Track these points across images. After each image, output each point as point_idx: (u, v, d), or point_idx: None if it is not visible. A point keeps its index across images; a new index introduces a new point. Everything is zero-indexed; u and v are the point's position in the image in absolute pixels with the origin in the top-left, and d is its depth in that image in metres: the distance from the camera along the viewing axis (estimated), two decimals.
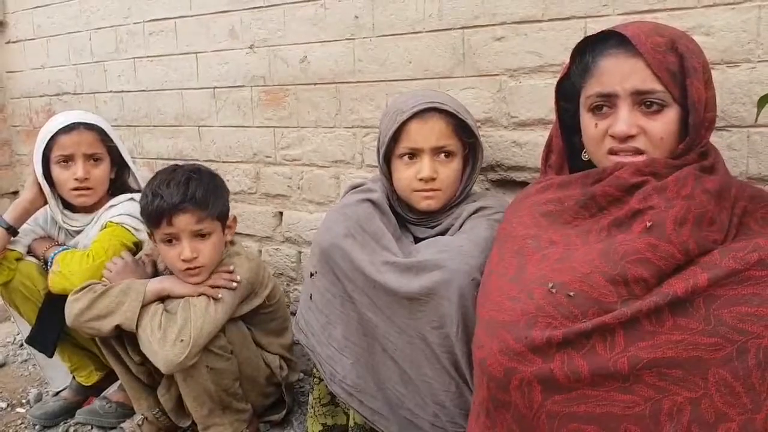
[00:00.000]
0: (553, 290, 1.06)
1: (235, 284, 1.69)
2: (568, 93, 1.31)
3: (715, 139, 1.31)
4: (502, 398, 1.03)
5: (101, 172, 1.99)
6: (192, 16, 2.35)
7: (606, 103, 1.21)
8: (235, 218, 1.80)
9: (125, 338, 1.73)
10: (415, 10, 1.81)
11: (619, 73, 1.18)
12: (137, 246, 1.91)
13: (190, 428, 1.87)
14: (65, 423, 2.06)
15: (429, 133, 1.49)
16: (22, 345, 2.62)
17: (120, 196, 2.02)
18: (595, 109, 1.23)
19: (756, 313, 0.94)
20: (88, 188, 1.96)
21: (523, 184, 1.67)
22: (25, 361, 2.53)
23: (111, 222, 1.91)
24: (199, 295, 1.66)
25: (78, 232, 2.00)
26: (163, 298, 1.68)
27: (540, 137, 1.63)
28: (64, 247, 1.97)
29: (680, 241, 1.05)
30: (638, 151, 1.19)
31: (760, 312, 0.94)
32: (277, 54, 2.14)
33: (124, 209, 1.95)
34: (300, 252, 2.22)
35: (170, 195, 1.61)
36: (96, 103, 2.79)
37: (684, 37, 1.20)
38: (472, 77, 1.74)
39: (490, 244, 1.34)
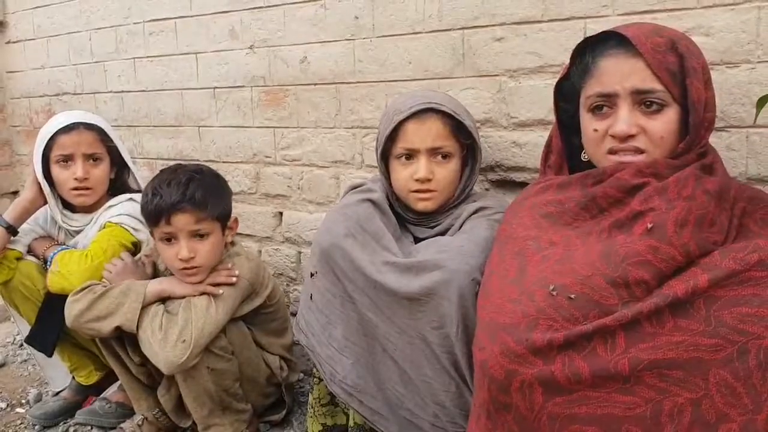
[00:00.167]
0: (554, 293, 1.06)
1: (234, 279, 1.69)
2: (567, 93, 1.32)
3: (714, 139, 1.31)
4: (503, 400, 1.03)
5: (101, 172, 1.99)
6: (192, 16, 2.36)
7: (606, 103, 1.21)
8: (236, 220, 1.79)
9: (125, 339, 1.73)
10: (415, 10, 1.81)
11: (619, 73, 1.18)
12: (136, 246, 1.90)
13: (190, 428, 1.87)
14: (65, 423, 2.06)
15: (426, 133, 1.49)
16: (21, 345, 2.62)
17: (119, 196, 2.01)
18: (595, 109, 1.23)
19: (756, 313, 0.94)
20: (88, 188, 1.96)
21: (523, 184, 1.67)
22: (25, 361, 2.53)
23: (110, 222, 1.91)
24: (201, 295, 1.66)
25: (77, 232, 2.00)
26: (163, 299, 1.68)
27: (540, 138, 1.63)
28: (64, 246, 1.97)
29: (681, 243, 1.05)
30: (638, 151, 1.19)
31: (761, 313, 0.94)
32: (277, 54, 2.14)
33: (123, 209, 1.95)
34: (300, 252, 2.22)
35: (169, 194, 1.62)
36: (96, 103, 2.79)
37: (684, 38, 1.20)
38: (471, 78, 1.74)
39: (490, 244, 1.34)
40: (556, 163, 1.36)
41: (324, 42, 2.02)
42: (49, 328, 1.96)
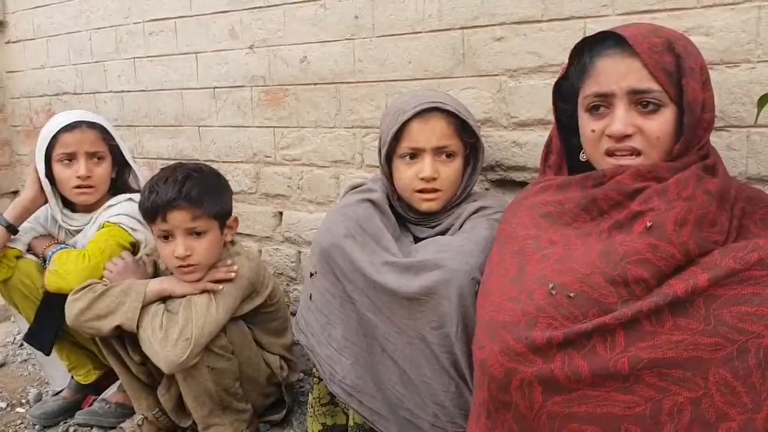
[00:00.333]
0: (554, 291, 1.06)
1: (233, 274, 1.69)
2: (566, 94, 1.32)
3: (714, 139, 1.31)
4: (503, 399, 1.03)
5: (103, 170, 2.00)
6: (192, 16, 2.36)
7: (603, 103, 1.21)
8: (236, 219, 1.79)
9: (126, 338, 1.73)
10: (415, 10, 1.81)
11: (616, 72, 1.18)
12: (134, 246, 1.91)
13: (190, 428, 1.87)
14: (65, 423, 2.06)
15: (430, 133, 1.49)
16: (21, 345, 2.62)
17: (119, 196, 2.02)
18: (593, 109, 1.23)
19: (756, 312, 0.94)
20: (90, 186, 1.96)
21: (523, 184, 1.68)
22: (25, 361, 2.53)
23: (108, 222, 1.92)
24: (201, 293, 1.66)
25: (77, 231, 2.01)
26: (164, 299, 1.68)
27: (540, 137, 1.63)
28: (62, 246, 1.97)
29: (680, 241, 1.05)
30: (635, 151, 1.19)
31: (760, 311, 0.94)
32: (277, 54, 2.14)
33: (122, 209, 1.95)
34: (300, 252, 2.22)
35: (165, 191, 1.62)
36: (96, 103, 2.79)
37: (682, 39, 1.20)
38: (471, 77, 1.74)
39: (490, 244, 1.34)
40: (555, 163, 1.36)
41: (324, 42, 2.02)
42: (48, 326, 1.97)
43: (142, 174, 2.13)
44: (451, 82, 1.77)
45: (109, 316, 1.64)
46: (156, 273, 1.83)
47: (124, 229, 1.90)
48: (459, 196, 1.56)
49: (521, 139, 1.69)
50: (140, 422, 1.87)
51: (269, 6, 2.13)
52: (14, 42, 3.18)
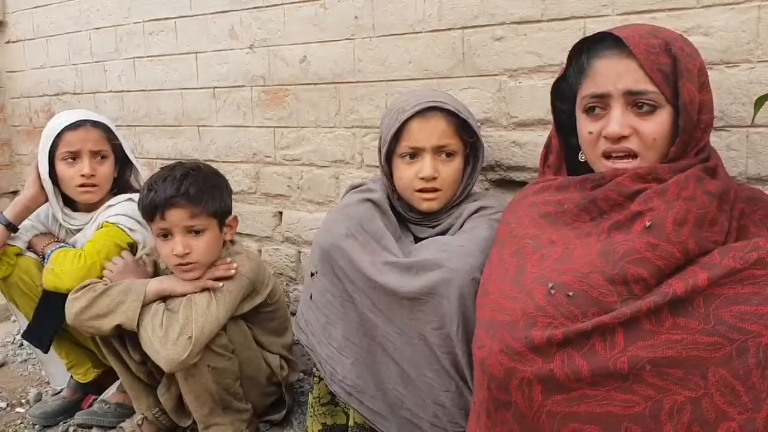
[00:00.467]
0: (553, 290, 1.06)
1: (233, 271, 1.69)
2: (565, 94, 1.32)
3: (714, 139, 1.32)
4: (503, 398, 1.03)
5: (106, 169, 2.01)
6: (192, 16, 2.36)
7: (599, 104, 1.21)
8: (235, 218, 1.80)
9: (126, 337, 1.73)
10: (415, 10, 1.81)
11: (612, 73, 1.18)
12: (131, 247, 1.91)
13: (190, 428, 1.87)
14: (65, 423, 2.06)
15: (430, 132, 1.49)
16: (21, 345, 2.62)
17: (119, 195, 2.02)
18: (589, 110, 1.24)
19: (756, 312, 0.94)
20: (94, 185, 1.97)
21: (523, 184, 1.67)
22: (25, 361, 2.53)
23: (107, 222, 1.92)
24: (201, 292, 1.66)
25: (78, 230, 2.02)
26: (164, 298, 1.68)
27: (539, 137, 1.63)
28: (61, 244, 1.98)
29: (679, 240, 1.05)
30: (631, 153, 1.19)
31: (760, 311, 0.94)
32: (277, 54, 2.14)
33: (122, 209, 1.96)
34: (300, 252, 2.22)
35: (164, 189, 1.63)
36: (96, 102, 2.79)
37: (680, 40, 1.20)
38: (471, 77, 1.74)
39: (491, 244, 1.34)
40: (554, 163, 1.36)
41: (324, 42, 2.02)
42: (46, 324, 1.98)
43: (144, 173, 2.13)
44: (451, 82, 1.77)
45: (110, 315, 1.64)
46: (156, 272, 1.83)
47: (122, 229, 1.91)
48: (459, 195, 1.56)
49: (521, 139, 1.69)
50: (140, 422, 1.87)
51: (269, 6, 2.13)
52: (14, 42, 3.18)
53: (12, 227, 1.93)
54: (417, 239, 1.58)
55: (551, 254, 1.14)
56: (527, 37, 1.63)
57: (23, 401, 2.24)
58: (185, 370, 1.64)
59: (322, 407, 1.66)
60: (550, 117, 1.47)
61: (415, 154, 1.52)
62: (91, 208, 2.02)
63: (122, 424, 1.96)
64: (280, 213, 2.26)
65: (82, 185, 1.95)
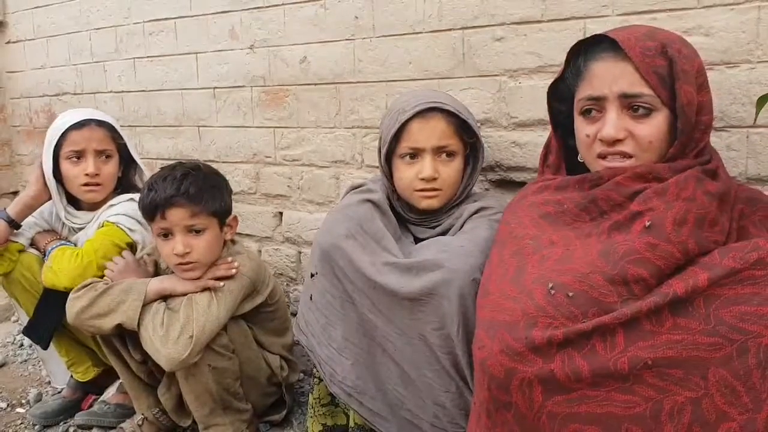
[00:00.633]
0: (553, 291, 1.06)
1: (234, 271, 1.69)
2: (564, 95, 1.32)
3: (714, 139, 1.31)
4: (503, 399, 1.03)
5: (111, 168, 2.02)
6: (192, 16, 2.36)
7: (595, 106, 1.21)
8: (236, 218, 1.80)
9: (127, 336, 1.73)
10: (415, 10, 1.81)
11: (608, 76, 1.18)
12: (131, 247, 1.91)
13: (190, 428, 1.87)
14: (65, 423, 2.06)
15: (431, 132, 1.49)
16: (22, 345, 2.62)
17: (121, 195, 2.03)
18: (586, 113, 1.24)
19: (756, 312, 0.94)
20: (98, 184, 1.98)
21: (523, 184, 1.67)
22: (25, 361, 2.53)
23: (107, 221, 1.93)
24: (202, 291, 1.66)
25: (80, 229, 2.03)
26: (165, 297, 1.68)
27: (539, 137, 1.63)
28: (62, 242, 1.99)
29: (679, 240, 1.05)
30: (626, 155, 1.19)
31: (760, 311, 0.94)
32: (277, 54, 2.14)
33: (122, 209, 1.96)
34: (300, 252, 2.22)
35: (164, 189, 1.63)
36: (96, 103, 2.79)
37: (677, 42, 1.19)
38: (471, 78, 1.74)
39: (491, 245, 1.34)
40: (554, 162, 1.36)
41: (324, 42, 2.02)
42: (47, 320, 1.99)
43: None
44: (451, 83, 1.77)
45: (110, 314, 1.64)
46: (157, 272, 1.84)
47: (121, 229, 1.91)
48: (459, 196, 1.56)
49: (521, 140, 1.69)
50: (140, 422, 1.87)
51: (269, 6, 2.13)
52: (14, 42, 3.18)
53: (15, 224, 1.95)
54: (417, 240, 1.58)
55: (552, 255, 1.14)
56: (527, 38, 1.63)
57: (23, 401, 2.24)
58: (186, 370, 1.65)
59: (322, 408, 1.66)
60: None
61: (415, 154, 1.52)
62: (93, 207, 2.02)
63: (122, 425, 1.96)
64: (281, 213, 2.26)
65: (86, 184, 1.97)
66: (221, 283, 1.67)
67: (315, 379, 1.66)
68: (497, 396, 1.04)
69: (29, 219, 2.00)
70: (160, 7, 2.46)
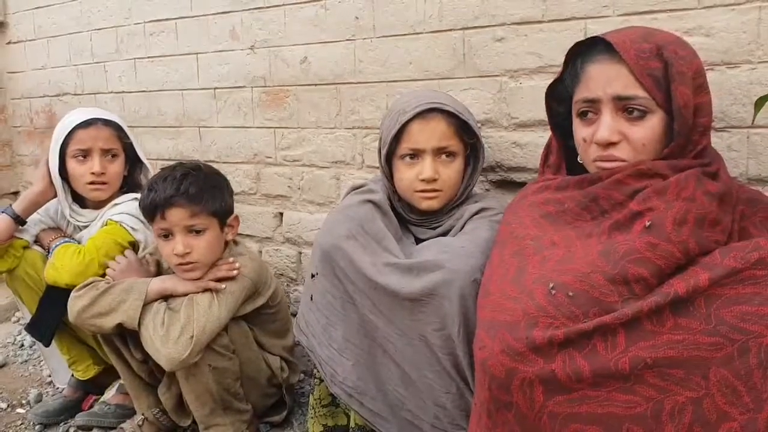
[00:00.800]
0: (553, 291, 1.06)
1: (235, 272, 1.69)
2: (563, 97, 1.32)
3: (714, 139, 1.31)
4: (504, 399, 1.03)
5: (117, 167, 2.03)
6: (192, 16, 2.36)
7: (591, 109, 1.22)
8: (237, 218, 1.80)
9: (127, 336, 1.74)
10: (416, 11, 1.81)
11: (603, 78, 1.18)
12: (133, 246, 1.92)
13: (190, 428, 1.87)
14: (65, 423, 2.06)
15: (431, 133, 1.49)
16: (22, 345, 2.62)
17: (125, 195, 2.04)
18: (582, 115, 1.24)
19: (757, 312, 0.94)
20: (104, 183, 1.99)
21: (523, 184, 1.67)
22: (26, 361, 2.53)
23: (111, 220, 1.94)
24: (203, 291, 1.66)
25: (84, 227, 2.04)
26: (166, 297, 1.69)
27: (540, 138, 1.63)
28: (66, 239, 2.00)
29: (680, 240, 1.05)
30: (620, 159, 1.19)
31: (761, 311, 0.94)
32: (278, 55, 2.14)
33: (126, 208, 1.97)
34: (300, 253, 2.22)
35: (164, 189, 1.63)
36: (97, 103, 2.79)
37: (674, 43, 1.18)
38: (472, 78, 1.74)
39: (491, 245, 1.34)
40: (554, 163, 1.36)
41: (324, 42, 2.02)
42: (49, 317, 1.99)
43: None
44: (452, 83, 1.77)
45: (111, 313, 1.64)
46: (159, 272, 1.84)
47: (124, 227, 1.92)
48: (460, 196, 1.56)
49: (522, 140, 1.69)
50: (140, 422, 1.87)
51: (270, 6, 2.13)
52: (15, 43, 3.18)
53: (20, 220, 1.96)
54: (418, 240, 1.57)
55: (553, 256, 1.14)
56: (528, 38, 1.63)
57: (24, 402, 2.24)
58: (186, 370, 1.65)
59: (322, 408, 1.66)
60: None
61: (415, 155, 1.52)
62: (98, 205, 2.03)
63: (123, 425, 1.97)
64: (281, 214, 2.26)
65: (92, 183, 1.98)
66: (222, 285, 1.67)
67: (315, 380, 1.66)
68: (498, 396, 1.04)
69: (34, 216, 2.01)
70: (160, 7, 2.46)
